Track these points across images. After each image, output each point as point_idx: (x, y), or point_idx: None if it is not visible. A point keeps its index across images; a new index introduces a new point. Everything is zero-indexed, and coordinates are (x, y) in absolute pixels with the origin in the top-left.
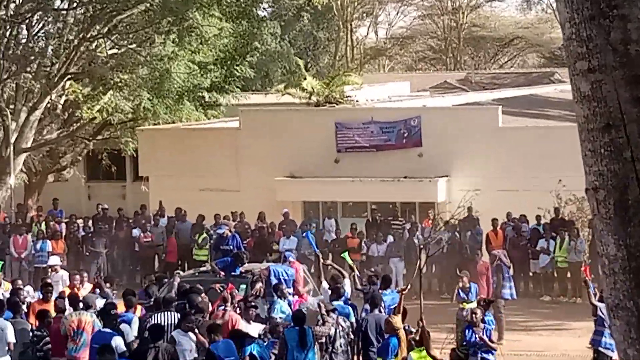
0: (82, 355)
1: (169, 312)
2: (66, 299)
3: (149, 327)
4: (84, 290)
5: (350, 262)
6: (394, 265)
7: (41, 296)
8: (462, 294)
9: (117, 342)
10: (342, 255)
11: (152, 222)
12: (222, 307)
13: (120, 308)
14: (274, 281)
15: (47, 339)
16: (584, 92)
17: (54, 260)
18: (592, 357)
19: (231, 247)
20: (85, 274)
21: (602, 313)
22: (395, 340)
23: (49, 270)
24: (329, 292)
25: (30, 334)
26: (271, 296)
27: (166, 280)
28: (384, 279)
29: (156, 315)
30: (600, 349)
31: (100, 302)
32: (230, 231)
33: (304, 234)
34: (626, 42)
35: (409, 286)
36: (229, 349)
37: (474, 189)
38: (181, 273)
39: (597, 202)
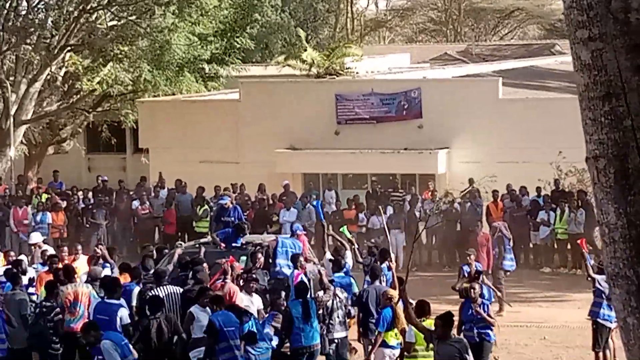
0: (80, 327)
1: (164, 287)
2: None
3: (148, 300)
4: (80, 262)
5: (349, 235)
6: (394, 237)
7: (47, 268)
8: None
9: (122, 313)
10: (340, 230)
11: (152, 194)
12: (222, 280)
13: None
14: (280, 253)
15: (58, 309)
16: (585, 60)
17: (36, 237)
18: (592, 328)
19: (232, 218)
20: (80, 246)
21: (600, 285)
22: (389, 311)
23: (32, 247)
24: (331, 264)
25: (31, 305)
26: (274, 266)
27: (166, 251)
28: (382, 252)
29: (154, 289)
30: (598, 320)
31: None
32: (231, 202)
33: (314, 204)
34: (626, 11)
35: (393, 257)
36: (229, 319)
37: (474, 160)
38: (183, 244)
39: (597, 170)
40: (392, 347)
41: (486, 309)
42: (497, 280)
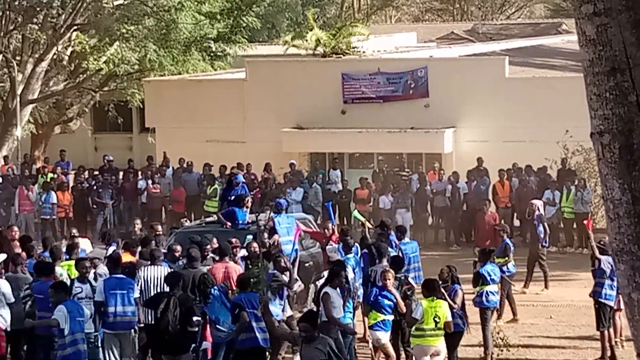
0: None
1: (157, 266)
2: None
3: (166, 276)
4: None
5: (361, 218)
6: (401, 216)
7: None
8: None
9: (136, 287)
10: (353, 214)
11: (159, 174)
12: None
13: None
14: (279, 231)
15: None
16: (590, 35)
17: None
18: (594, 308)
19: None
20: (75, 230)
21: (603, 265)
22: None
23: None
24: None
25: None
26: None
27: (176, 230)
28: (399, 229)
29: (147, 268)
30: (600, 300)
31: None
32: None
33: (326, 204)
34: None
35: None
36: (251, 301)
37: (480, 139)
38: (187, 223)
39: (602, 146)
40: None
41: (452, 294)
42: (541, 258)
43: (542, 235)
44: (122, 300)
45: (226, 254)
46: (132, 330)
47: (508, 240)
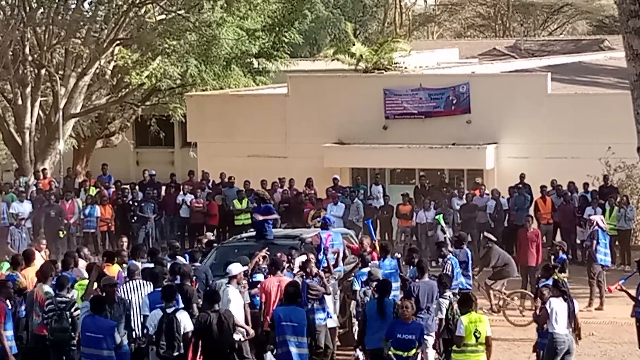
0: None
1: (135, 281)
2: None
3: (204, 293)
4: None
5: (443, 224)
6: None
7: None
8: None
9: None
10: (436, 217)
11: (200, 189)
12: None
13: None
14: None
15: (76, 304)
16: (637, 50)
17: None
18: (636, 326)
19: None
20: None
21: None
22: None
23: None
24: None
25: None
26: (321, 263)
27: (215, 245)
28: (439, 245)
29: (126, 283)
30: None
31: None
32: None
33: (365, 221)
34: None
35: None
36: (290, 314)
37: (522, 156)
38: (211, 236)
39: None
40: None
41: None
42: (591, 275)
43: (593, 250)
44: None
45: (279, 267)
46: None
47: (564, 256)
